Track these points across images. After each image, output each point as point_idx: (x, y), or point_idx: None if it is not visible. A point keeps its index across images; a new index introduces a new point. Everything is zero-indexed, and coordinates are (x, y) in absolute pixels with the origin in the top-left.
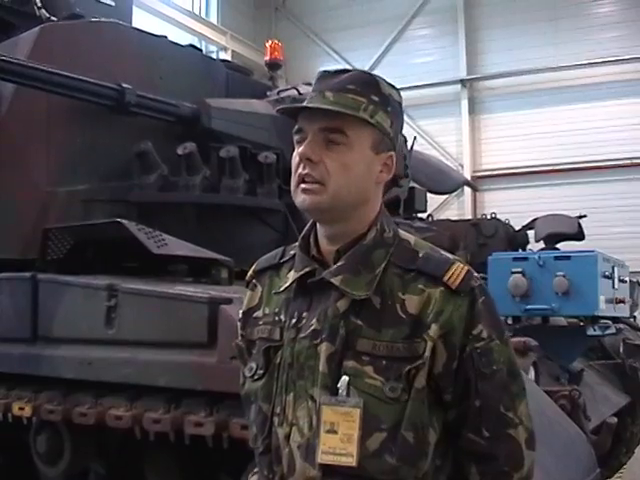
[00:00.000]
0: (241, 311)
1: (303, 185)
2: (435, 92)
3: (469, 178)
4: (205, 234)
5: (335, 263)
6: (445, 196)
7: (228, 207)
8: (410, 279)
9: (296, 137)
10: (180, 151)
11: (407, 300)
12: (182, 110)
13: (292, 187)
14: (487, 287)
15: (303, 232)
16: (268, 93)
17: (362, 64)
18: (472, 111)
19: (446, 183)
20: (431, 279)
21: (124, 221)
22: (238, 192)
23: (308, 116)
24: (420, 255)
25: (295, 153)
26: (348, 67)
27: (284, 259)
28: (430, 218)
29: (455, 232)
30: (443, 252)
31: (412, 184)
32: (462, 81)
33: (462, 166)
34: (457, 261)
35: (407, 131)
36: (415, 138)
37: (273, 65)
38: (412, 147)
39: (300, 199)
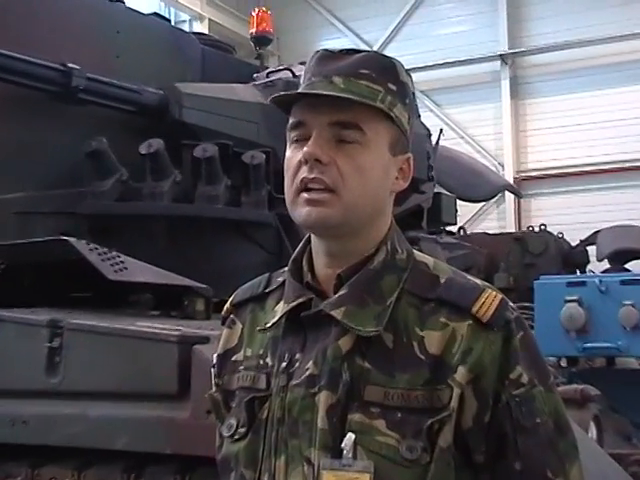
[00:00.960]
0: (216, 354)
1: (308, 195)
2: (468, 71)
3: (511, 181)
4: (176, 255)
5: (336, 291)
6: (480, 204)
7: (205, 220)
8: (430, 311)
9: (294, 133)
10: (144, 150)
11: (426, 337)
12: (145, 97)
13: (289, 196)
14: (524, 320)
15: (294, 253)
16: (255, 75)
17: (374, 36)
18: (515, 95)
19: (482, 188)
20: (456, 310)
21: (71, 239)
22: (217, 201)
23: (312, 107)
24: (442, 281)
25: (290, 153)
26: (355, 44)
27: (270, 288)
28: (461, 232)
29: (494, 249)
30: (470, 277)
31: (438, 189)
32: (502, 56)
33: (502, 165)
34: (488, 288)
35: (431, 121)
36: (442, 130)
37: (261, 39)
38: (438, 142)
39: (303, 213)
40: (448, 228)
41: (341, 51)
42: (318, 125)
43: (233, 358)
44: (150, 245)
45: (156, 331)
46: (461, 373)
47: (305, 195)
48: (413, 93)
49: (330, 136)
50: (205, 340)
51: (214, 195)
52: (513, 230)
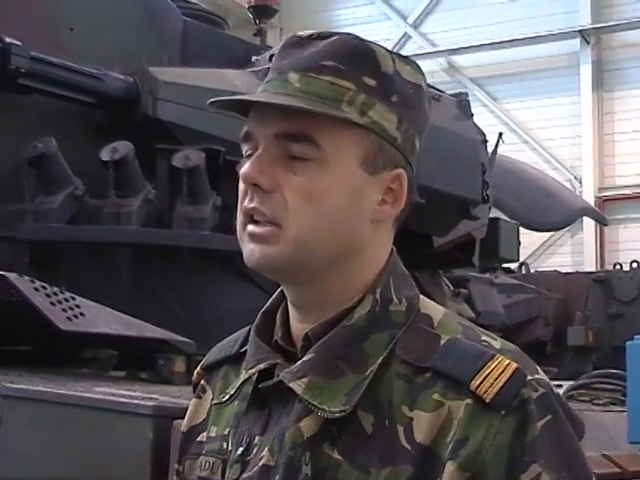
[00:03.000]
0: (181, 431)
1: (250, 228)
2: (535, 53)
3: (592, 202)
4: (146, 297)
5: (303, 355)
6: (550, 233)
7: (185, 251)
8: (422, 384)
9: (244, 147)
10: (106, 156)
11: (415, 419)
12: (108, 85)
13: (238, 229)
14: (556, 399)
15: (267, 303)
16: (254, 58)
17: (410, 4)
18: (599, 85)
19: (553, 212)
20: (453, 385)
21: (9, 274)
22: (202, 226)
23: (259, 114)
24: (442, 343)
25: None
26: (383, 14)
27: (247, 347)
28: (524, 270)
29: (567, 294)
30: (488, 337)
31: (495, 213)
32: (583, 33)
33: (580, 181)
34: (501, 354)
35: (485, 120)
36: (501, 135)
37: (263, 10)
38: (496, 150)
39: (247, 251)
40: (506, 265)
41: (310, 36)
42: (263, 138)
43: (199, 438)
44: (113, 283)
45: (123, 400)
46: (449, 471)
47: (249, 227)
48: (417, 85)
49: (279, 152)
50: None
51: (198, 218)
52: (594, 269)
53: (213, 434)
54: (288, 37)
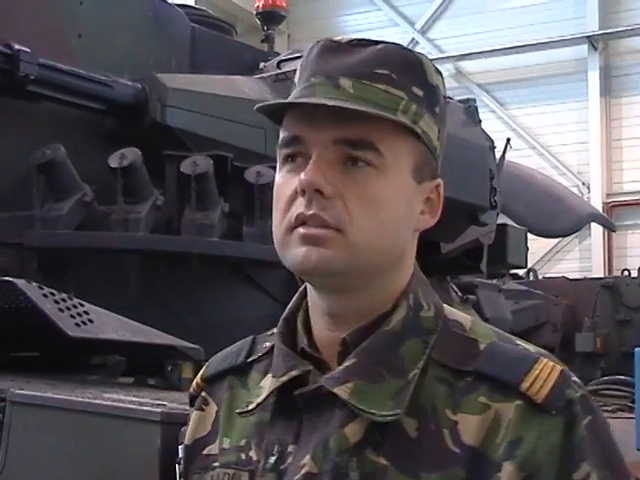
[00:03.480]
0: (182, 446)
1: (305, 229)
2: (543, 58)
3: (600, 208)
4: (155, 303)
5: (340, 361)
6: (557, 239)
7: (194, 258)
8: (465, 388)
9: (286, 151)
10: (114, 162)
11: (461, 422)
12: (117, 92)
13: (279, 235)
14: (593, 401)
15: (286, 310)
16: (262, 64)
17: (417, 10)
18: (607, 91)
19: (561, 218)
20: (500, 387)
21: (18, 281)
22: (211, 233)
23: (311, 118)
24: (481, 347)
25: (281, 178)
26: (391, 20)
27: (254, 357)
28: (532, 276)
29: (575, 300)
30: (520, 341)
31: (502, 219)
32: (590, 39)
33: (588, 187)
34: (543, 357)
35: (493, 126)
36: (509, 140)
37: (271, 16)
38: (503, 156)
39: (299, 254)
40: (514, 271)
41: (350, 42)
42: (319, 143)
43: (205, 451)
44: (121, 289)
45: (131, 406)
46: (508, 471)
47: (301, 230)
48: (446, 98)
49: (335, 158)
50: None
51: (206, 224)
52: (601, 275)
53: (227, 446)
54: (323, 41)
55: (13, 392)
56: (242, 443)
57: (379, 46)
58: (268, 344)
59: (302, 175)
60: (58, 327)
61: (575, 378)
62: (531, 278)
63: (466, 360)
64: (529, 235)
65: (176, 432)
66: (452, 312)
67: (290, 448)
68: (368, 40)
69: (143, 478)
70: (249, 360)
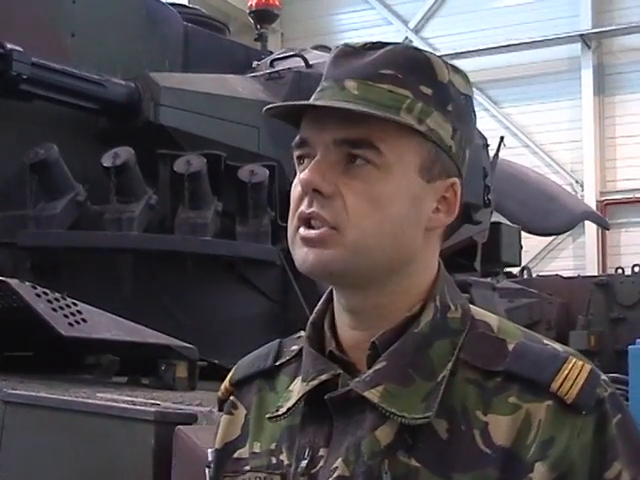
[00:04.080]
0: (211, 450)
1: (304, 232)
2: (536, 57)
3: (593, 206)
4: (148, 302)
5: (370, 364)
6: (551, 237)
7: (187, 257)
8: (495, 388)
9: (297, 153)
10: (108, 162)
11: (492, 423)
12: (110, 91)
13: (290, 235)
14: (620, 398)
15: (313, 313)
16: (255, 63)
17: (411, 9)
18: (600, 88)
19: (554, 216)
20: (531, 387)
21: (11, 280)
22: (205, 232)
23: (316, 120)
24: (510, 348)
25: (295, 180)
26: (384, 19)
27: (282, 360)
28: (525, 274)
29: (569, 298)
30: (548, 340)
31: (496, 217)
32: (584, 37)
33: (581, 185)
34: (572, 356)
35: (486, 125)
36: (502, 138)
37: (264, 15)
38: (497, 154)
39: (300, 255)
40: (508, 269)
41: (364, 45)
42: (322, 144)
43: (236, 455)
44: (114, 289)
45: (125, 406)
46: (540, 472)
47: (301, 231)
48: (468, 96)
49: (338, 158)
50: (191, 419)
51: (200, 223)
52: (595, 273)
53: (258, 450)
54: (340, 47)
55: (6, 392)
56: (273, 447)
57: (387, 47)
58: (295, 347)
59: (302, 175)
60: (51, 326)
61: (604, 376)
62: (525, 276)
63: (495, 360)
64: (523, 233)
65: (170, 431)
66: (479, 312)
67: (321, 452)
68: (382, 43)
69: (137, 477)
70: (277, 364)
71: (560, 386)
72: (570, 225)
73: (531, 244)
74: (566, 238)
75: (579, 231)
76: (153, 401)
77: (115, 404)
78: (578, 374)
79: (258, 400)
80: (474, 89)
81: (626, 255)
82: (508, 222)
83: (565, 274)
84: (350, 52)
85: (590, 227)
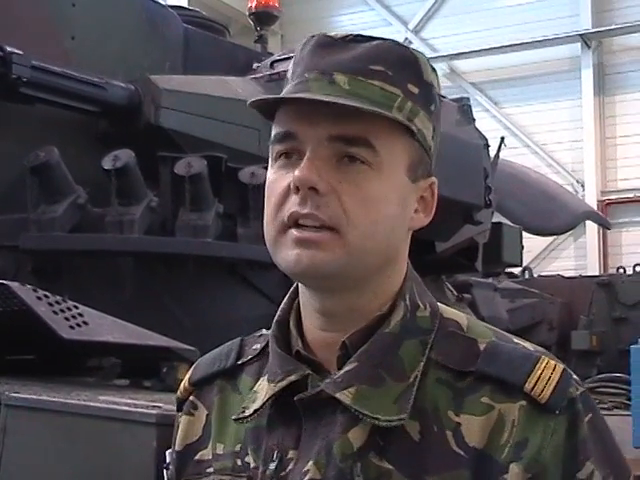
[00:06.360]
0: (170, 451)
1: (298, 232)
2: (536, 57)
3: (594, 206)
4: (150, 305)
5: (340, 365)
6: (552, 237)
7: (188, 259)
8: (466, 389)
9: (279, 147)
10: (108, 164)
11: (464, 424)
12: (110, 93)
13: (271, 233)
14: (591, 397)
15: (279, 311)
16: (255, 65)
17: (410, 10)
18: (600, 88)
19: (555, 216)
20: (503, 388)
21: (12, 283)
22: (206, 234)
23: (304, 114)
24: (481, 347)
25: (273, 174)
26: (384, 20)
27: (244, 359)
28: (527, 274)
29: (571, 298)
30: (518, 340)
31: (497, 218)
32: (584, 37)
33: (582, 185)
34: (544, 355)
35: (487, 125)
36: (503, 139)
37: (264, 17)
38: (498, 154)
39: (291, 257)
40: (510, 269)
41: (345, 37)
42: (314, 140)
43: (197, 457)
44: (116, 291)
45: (127, 409)
46: (515, 473)
47: (294, 232)
48: (440, 96)
49: (330, 154)
50: None
51: (201, 225)
52: (597, 273)
53: (221, 451)
54: (317, 36)
55: (8, 395)
56: (237, 448)
57: (374, 42)
58: (258, 346)
59: (296, 172)
60: (52, 330)
61: (575, 376)
62: (526, 276)
63: (466, 360)
64: (524, 233)
65: (171, 434)
66: (447, 311)
67: (290, 454)
68: (363, 36)
69: (138, 478)
70: (239, 363)
71: (534, 386)
72: (571, 225)
73: (532, 244)
74: (567, 238)
75: (580, 231)
76: (155, 404)
77: (117, 407)
78: (551, 374)
79: (220, 401)
80: (474, 89)
81: (627, 255)
82: (509, 222)
83: (566, 274)
84: (331, 43)
85: (591, 227)
